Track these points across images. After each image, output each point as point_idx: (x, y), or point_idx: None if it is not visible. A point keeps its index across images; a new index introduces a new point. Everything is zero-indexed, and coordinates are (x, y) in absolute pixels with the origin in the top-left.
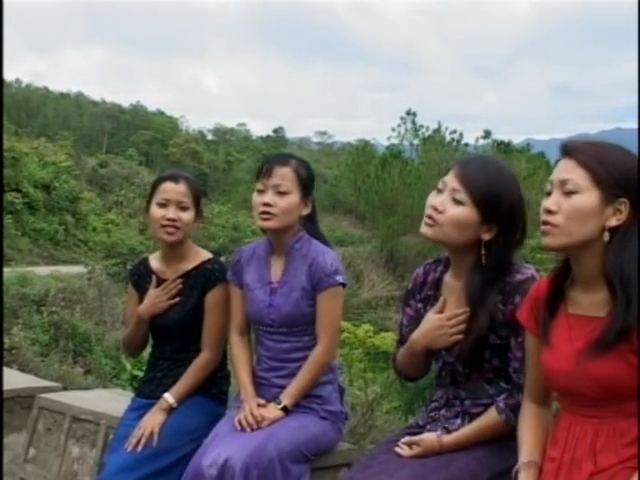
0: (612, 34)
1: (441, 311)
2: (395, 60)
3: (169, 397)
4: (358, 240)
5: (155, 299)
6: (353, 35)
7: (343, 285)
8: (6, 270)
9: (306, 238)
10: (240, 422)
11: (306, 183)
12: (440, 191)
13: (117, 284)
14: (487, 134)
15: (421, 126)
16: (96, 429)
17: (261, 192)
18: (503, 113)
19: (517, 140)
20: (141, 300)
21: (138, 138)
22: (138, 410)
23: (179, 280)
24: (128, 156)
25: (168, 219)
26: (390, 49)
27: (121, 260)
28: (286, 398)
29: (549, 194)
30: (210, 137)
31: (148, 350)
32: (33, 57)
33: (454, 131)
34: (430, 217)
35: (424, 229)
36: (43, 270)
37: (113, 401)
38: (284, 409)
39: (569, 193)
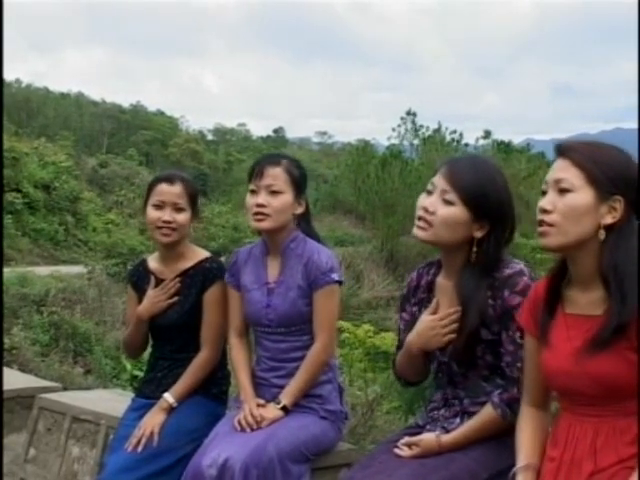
0: (612, 34)
1: (435, 312)
2: (395, 60)
3: (169, 397)
4: (358, 240)
5: (154, 299)
6: (353, 35)
7: (339, 283)
8: (6, 270)
9: (301, 237)
10: (240, 422)
11: (298, 182)
12: (430, 192)
13: (117, 284)
14: (487, 134)
15: (421, 126)
16: (96, 429)
17: (254, 193)
18: (503, 113)
19: (517, 140)
20: (140, 301)
21: (138, 138)
22: (138, 410)
23: (177, 279)
24: (128, 156)
25: (164, 221)
26: (390, 49)
27: (121, 260)
28: (285, 398)
29: (544, 194)
30: (210, 137)
31: (148, 350)
32: (33, 57)
33: (454, 131)
34: (421, 219)
35: (416, 231)
36: (43, 270)
37: (113, 401)
38: (283, 409)
39: (564, 192)
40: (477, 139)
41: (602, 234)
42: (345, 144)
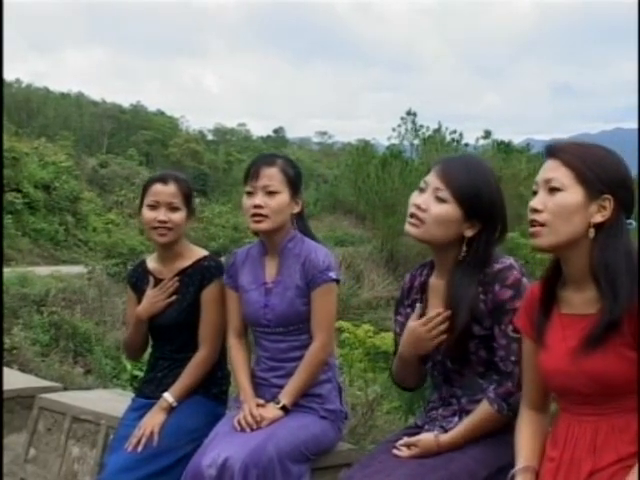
0: (612, 34)
1: (421, 316)
2: (395, 60)
3: (169, 396)
4: (358, 240)
5: (153, 299)
6: (353, 35)
7: (337, 281)
8: (6, 270)
9: (299, 237)
10: (239, 422)
11: (294, 181)
12: (422, 190)
13: (117, 284)
14: (487, 134)
15: (421, 126)
16: (96, 429)
17: (250, 194)
18: (503, 113)
19: (517, 140)
20: (140, 302)
21: (138, 138)
22: (138, 410)
23: (176, 278)
24: (128, 156)
25: (159, 221)
26: (390, 49)
27: (121, 260)
28: (285, 397)
29: (535, 194)
30: (210, 137)
31: (148, 351)
32: (33, 57)
33: (454, 131)
34: (414, 216)
35: (409, 228)
36: (43, 270)
37: (113, 401)
38: (283, 408)
39: (554, 191)
40: (477, 139)
41: (592, 232)
42: (345, 144)
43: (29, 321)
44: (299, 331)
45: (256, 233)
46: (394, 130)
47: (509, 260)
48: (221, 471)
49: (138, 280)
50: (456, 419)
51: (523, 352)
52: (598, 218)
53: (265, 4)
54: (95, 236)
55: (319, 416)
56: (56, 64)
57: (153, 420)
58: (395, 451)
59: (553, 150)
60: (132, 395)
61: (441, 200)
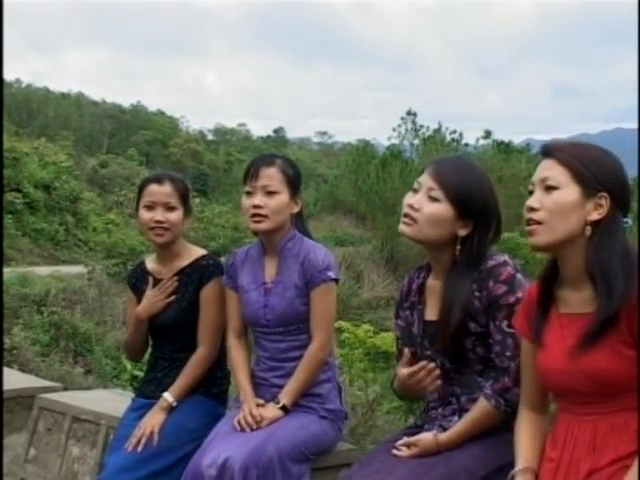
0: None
1: (411, 363)
2: (395, 60)
3: (168, 396)
4: (358, 240)
5: (152, 299)
6: (353, 35)
7: (336, 281)
8: (6, 270)
9: (298, 237)
10: (239, 422)
11: (293, 181)
12: (416, 191)
13: (117, 284)
14: (487, 134)
15: (421, 126)
16: (96, 429)
17: (250, 194)
18: (504, 113)
19: (518, 140)
20: (139, 302)
21: (138, 138)
22: (138, 410)
23: (175, 278)
24: (128, 156)
25: (156, 221)
26: (390, 49)
27: (121, 260)
28: (284, 397)
29: (532, 194)
30: (210, 137)
31: (149, 351)
32: (33, 57)
33: (454, 131)
34: (407, 215)
35: (402, 228)
36: (43, 270)
37: (113, 401)
38: (283, 408)
39: (550, 190)
40: (477, 139)
41: (588, 230)
42: (345, 144)
43: (29, 321)
44: (299, 331)
45: (255, 233)
46: (394, 130)
47: (503, 257)
48: (221, 471)
49: (137, 281)
50: (456, 418)
51: (521, 353)
52: (595, 216)
53: (265, 4)
54: (95, 236)
55: (319, 416)
56: (56, 64)
57: (153, 420)
58: (395, 451)
59: (549, 150)
60: (132, 395)
61: (434, 199)
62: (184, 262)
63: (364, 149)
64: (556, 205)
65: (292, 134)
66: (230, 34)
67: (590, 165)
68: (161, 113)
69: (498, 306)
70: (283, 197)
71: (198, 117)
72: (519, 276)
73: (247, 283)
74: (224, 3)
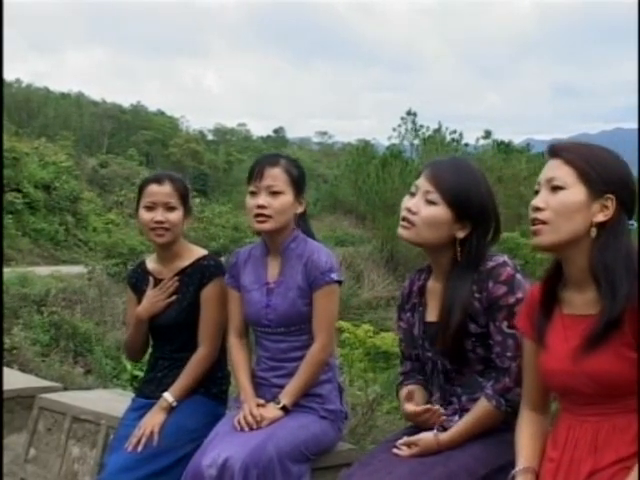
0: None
1: (411, 398)
2: (396, 60)
3: (168, 396)
4: (358, 240)
5: (153, 299)
6: (354, 35)
7: (339, 282)
8: (6, 270)
9: (302, 237)
10: (240, 422)
11: (298, 182)
12: (413, 194)
13: (117, 284)
14: (487, 134)
15: (421, 126)
16: (96, 429)
17: (254, 194)
18: (504, 113)
19: (518, 140)
20: (140, 302)
21: (138, 138)
22: (138, 410)
23: (175, 278)
24: (128, 156)
25: (156, 222)
26: (391, 49)
27: (121, 260)
28: (285, 397)
29: (537, 193)
30: (210, 137)
31: (149, 351)
32: (33, 57)
33: (454, 131)
34: (405, 219)
35: (401, 232)
36: (43, 270)
37: (113, 401)
38: (283, 408)
39: (556, 190)
40: (477, 139)
41: (594, 232)
42: (345, 144)
43: (29, 321)
44: (300, 331)
45: (258, 233)
46: (394, 130)
47: (502, 257)
48: (221, 471)
49: (138, 281)
50: (456, 418)
51: (524, 353)
52: (600, 217)
53: (265, 4)
54: (95, 236)
55: (319, 416)
56: (56, 64)
57: (153, 420)
58: (395, 450)
59: (556, 150)
60: (132, 395)
61: (431, 202)
62: (185, 262)
63: (364, 149)
64: (562, 205)
65: (292, 134)
66: (230, 34)
67: (597, 166)
68: (161, 113)
69: (498, 307)
70: (287, 197)
71: (198, 117)
72: (519, 276)
73: (249, 283)
74: (224, 3)
